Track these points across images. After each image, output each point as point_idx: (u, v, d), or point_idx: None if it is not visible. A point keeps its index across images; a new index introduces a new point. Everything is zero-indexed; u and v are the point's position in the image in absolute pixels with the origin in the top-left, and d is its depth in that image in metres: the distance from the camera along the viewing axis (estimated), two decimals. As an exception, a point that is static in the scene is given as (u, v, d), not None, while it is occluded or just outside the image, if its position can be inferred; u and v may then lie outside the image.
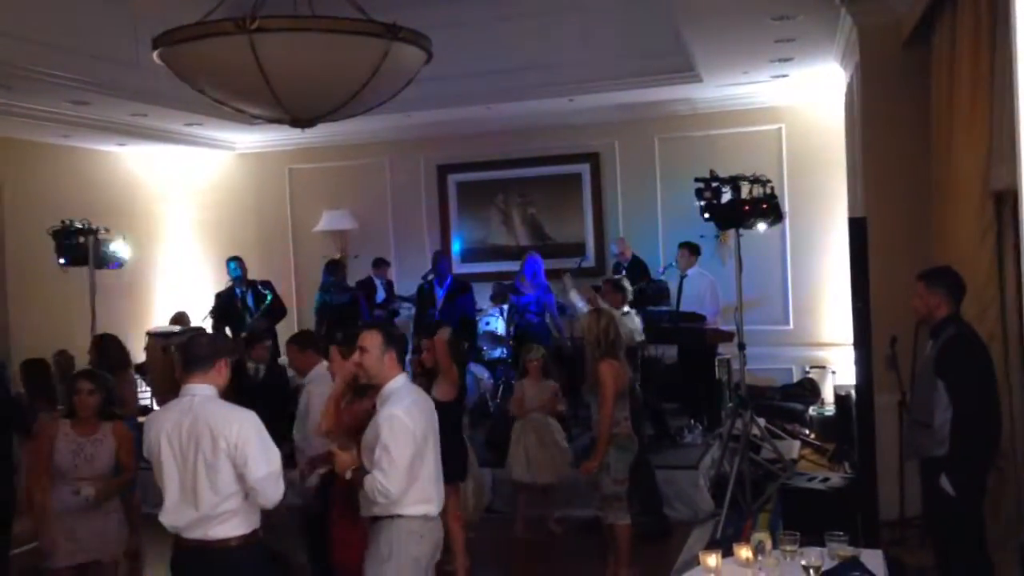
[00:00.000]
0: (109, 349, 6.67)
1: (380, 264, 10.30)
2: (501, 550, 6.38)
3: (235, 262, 9.50)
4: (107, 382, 4.86)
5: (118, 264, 8.56)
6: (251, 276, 9.70)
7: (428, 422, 3.77)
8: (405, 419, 3.63)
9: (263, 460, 3.41)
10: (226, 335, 3.85)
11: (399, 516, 3.66)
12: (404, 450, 3.60)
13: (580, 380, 6.04)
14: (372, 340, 3.78)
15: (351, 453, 3.73)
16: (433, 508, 3.76)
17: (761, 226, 6.62)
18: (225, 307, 9.41)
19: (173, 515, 3.48)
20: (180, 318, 10.01)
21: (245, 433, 3.41)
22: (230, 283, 9.50)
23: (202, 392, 3.53)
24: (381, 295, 10.09)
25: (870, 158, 6.56)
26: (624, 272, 9.26)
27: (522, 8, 8.90)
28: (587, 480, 5.70)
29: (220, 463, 3.39)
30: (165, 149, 11.02)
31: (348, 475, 3.70)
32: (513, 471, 6.50)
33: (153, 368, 8.44)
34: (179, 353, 3.73)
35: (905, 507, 5.85)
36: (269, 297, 9.36)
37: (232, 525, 3.45)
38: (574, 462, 6.36)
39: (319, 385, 5.02)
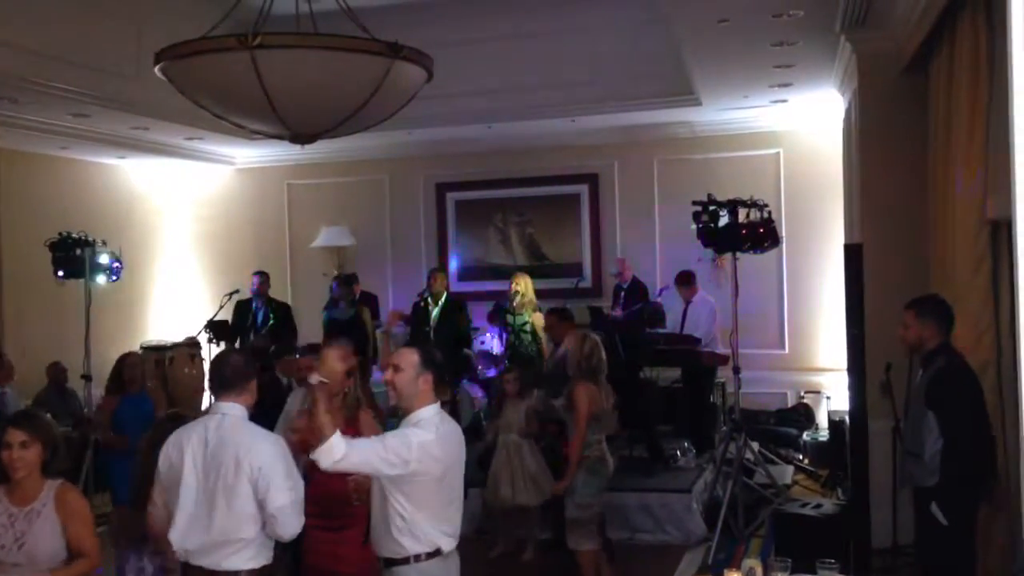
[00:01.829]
0: (124, 369, 6.22)
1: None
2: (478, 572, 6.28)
3: (258, 276, 9.47)
4: (48, 428, 3.55)
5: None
6: (249, 291, 9.67)
7: (455, 457, 3.51)
8: (413, 444, 3.32)
9: (286, 488, 3.32)
10: (253, 358, 3.75)
11: (416, 558, 3.40)
12: (387, 453, 3.29)
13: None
14: (407, 359, 3.47)
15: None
16: (449, 543, 3.49)
17: (752, 252, 6.64)
18: (241, 317, 9.39)
19: (184, 535, 3.36)
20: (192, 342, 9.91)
21: (271, 459, 3.32)
22: (251, 295, 9.45)
23: (232, 412, 3.44)
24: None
25: (867, 184, 6.59)
26: (624, 293, 9.27)
27: (525, 29, 8.96)
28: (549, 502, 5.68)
29: (240, 487, 3.30)
30: (164, 163, 11.03)
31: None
32: (486, 493, 6.40)
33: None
34: (209, 371, 3.62)
35: (898, 535, 5.83)
36: (272, 320, 9.30)
37: (245, 557, 3.34)
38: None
39: None
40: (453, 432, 3.57)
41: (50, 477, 3.48)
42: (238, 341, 9.20)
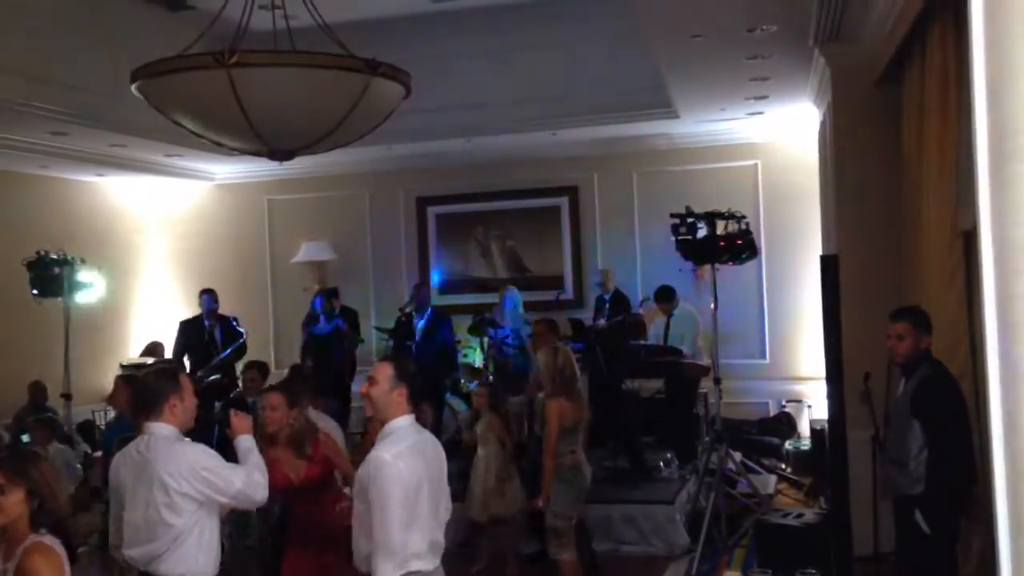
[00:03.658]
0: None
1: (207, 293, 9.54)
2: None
3: (208, 295, 9.46)
4: (35, 474, 2.98)
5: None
6: (229, 307, 9.66)
7: (427, 468, 3.52)
8: (392, 463, 3.39)
9: (230, 477, 3.52)
10: (175, 373, 3.78)
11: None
12: (394, 497, 3.37)
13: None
14: (383, 372, 3.59)
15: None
16: (428, 563, 3.50)
17: (731, 263, 6.69)
18: (189, 336, 9.36)
19: (128, 546, 3.54)
20: (154, 348, 9.92)
21: (198, 466, 3.47)
22: (198, 313, 9.46)
23: (158, 432, 3.54)
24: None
25: (842, 196, 6.65)
26: (607, 305, 9.30)
27: (503, 43, 9.00)
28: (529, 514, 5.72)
29: (179, 502, 3.43)
30: (144, 180, 10.99)
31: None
32: (465, 507, 6.36)
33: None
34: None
35: (879, 543, 5.85)
36: (243, 338, 9.27)
37: (187, 562, 3.48)
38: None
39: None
40: (427, 444, 3.63)
41: (38, 529, 2.95)
42: (188, 361, 9.14)
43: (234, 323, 9.39)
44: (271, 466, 4.26)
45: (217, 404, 7.13)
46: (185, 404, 3.61)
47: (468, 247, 11.03)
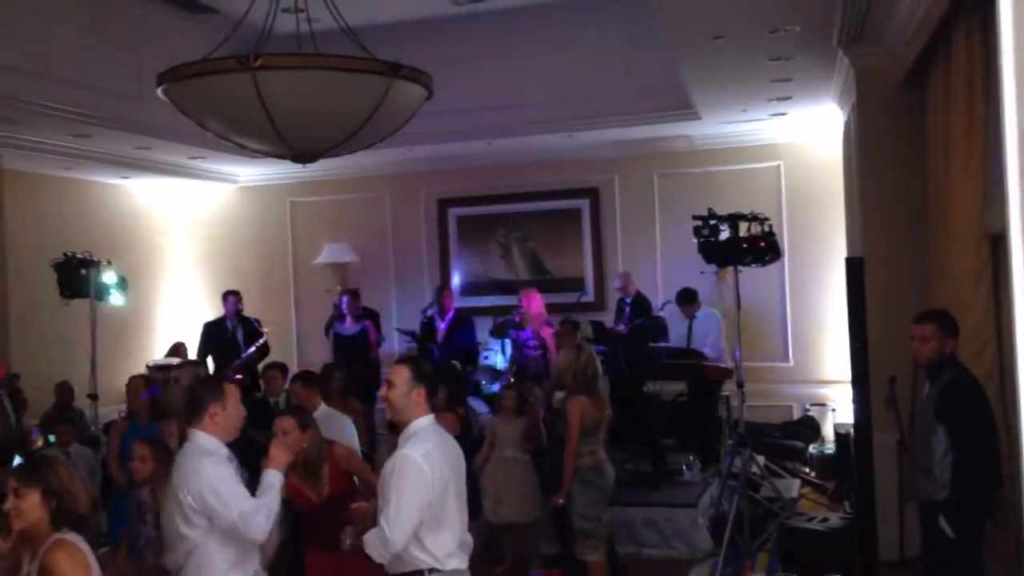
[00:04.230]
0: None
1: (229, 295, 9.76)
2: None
3: (233, 296, 9.56)
4: (50, 475, 3.05)
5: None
6: (252, 309, 9.75)
7: (452, 468, 3.56)
8: (421, 464, 3.41)
9: (229, 507, 3.40)
10: (220, 381, 3.79)
11: (431, 571, 3.46)
12: (414, 498, 3.37)
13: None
14: (400, 374, 3.58)
15: (371, 503, 3.67)
16: (460, 562, 3.54)
17: (754, 266, 6.65)
18: (212, 338, 9.46)
19: (165, 557, 3.54)
20: (178, 348, 9.99)
21: (203, 487, 3.40)
22: (222, 315, 9.59)
23: (196, 441, 3.54)
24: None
25: (867, 198, 6.60)
26: (628, 308, 9.27)
27: (523, 45, 9.01)
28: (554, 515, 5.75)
29: (190, 515, 3.43)
30: (167, 182, 11.08)
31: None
32: (484, 511, 6.35)
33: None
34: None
35: (905, 548, 5.81)
36: (264, 338, 9.39)
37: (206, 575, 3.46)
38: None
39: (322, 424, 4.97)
40: (449, 444, 3.65)
41: (61, 529, 3.01)
42: (212, 362, 9.26)
43: (256, 324, 9.50)
44: (289, 489, 4.27)
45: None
46: (228, 412, 3.55)
47: (489, 249, 11.03)
